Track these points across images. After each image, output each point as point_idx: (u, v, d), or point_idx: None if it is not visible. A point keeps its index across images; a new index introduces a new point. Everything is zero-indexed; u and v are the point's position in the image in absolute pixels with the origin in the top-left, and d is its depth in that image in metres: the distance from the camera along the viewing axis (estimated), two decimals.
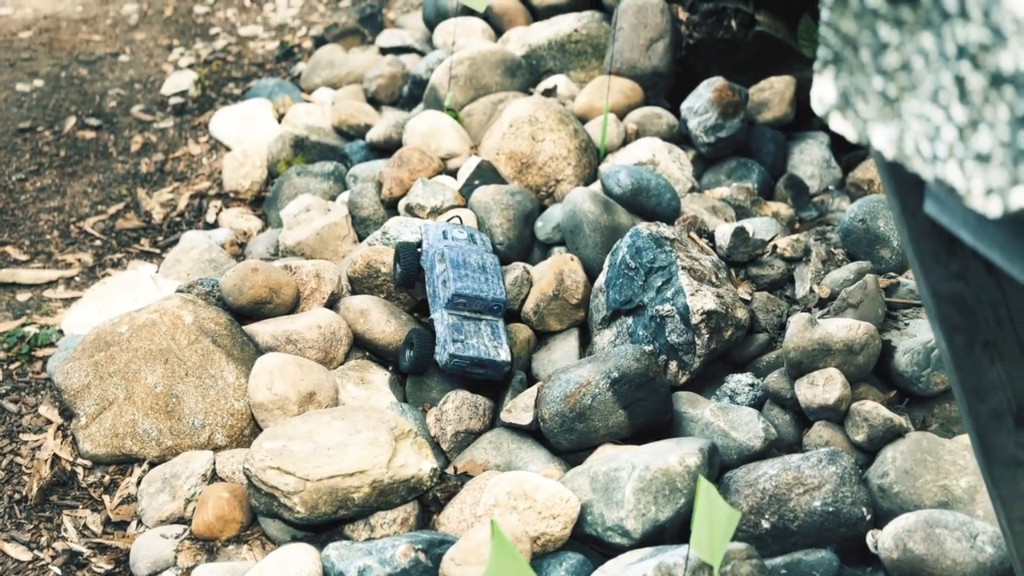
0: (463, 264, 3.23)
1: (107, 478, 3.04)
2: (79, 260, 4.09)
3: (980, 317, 1.32)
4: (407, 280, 3.34)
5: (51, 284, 3.96)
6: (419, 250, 3.35)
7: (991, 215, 0.89)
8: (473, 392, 3.10)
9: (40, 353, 3.53)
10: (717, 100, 3.92)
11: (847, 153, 4.25)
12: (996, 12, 0.84)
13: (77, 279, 3.99)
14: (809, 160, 4.15)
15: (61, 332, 3.61)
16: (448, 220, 3.54)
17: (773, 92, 4.17)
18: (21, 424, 3.25)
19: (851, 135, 1.04)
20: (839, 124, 1.05)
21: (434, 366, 3.21)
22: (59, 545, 2.91)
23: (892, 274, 3.24)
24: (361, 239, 3.75)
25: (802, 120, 4.30)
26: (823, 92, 1.04)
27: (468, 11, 4.86)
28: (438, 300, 3.22)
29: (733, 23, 4.34)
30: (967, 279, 1.30)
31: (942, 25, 0.90)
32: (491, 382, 3.22)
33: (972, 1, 0.86)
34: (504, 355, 3.13)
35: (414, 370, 3.18)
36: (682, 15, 4.40)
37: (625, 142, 4.01)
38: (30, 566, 2.86)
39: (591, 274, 3.40)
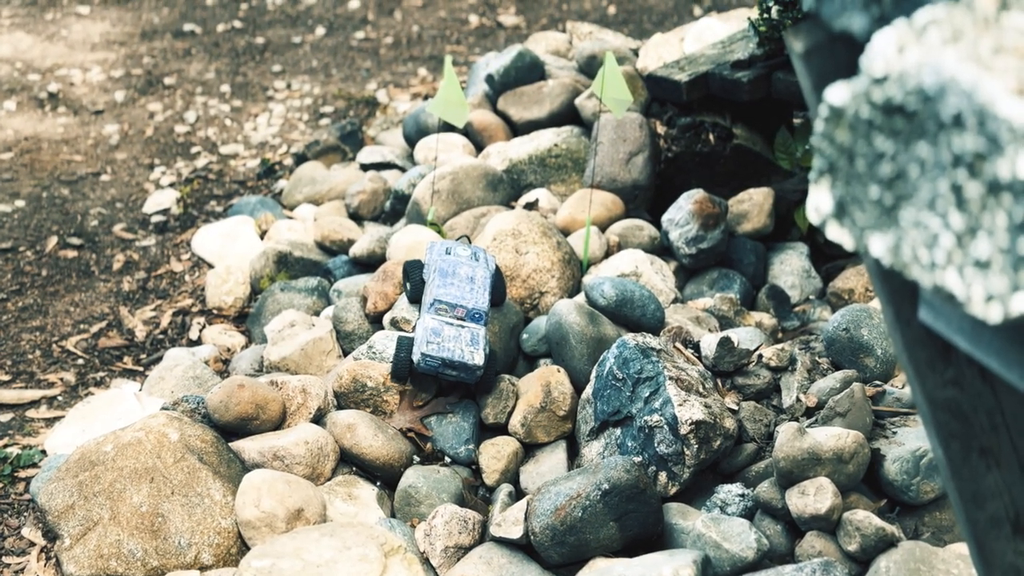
0: (451, 274, 3.40)
1: None
2: (62, 379, 4.07)
3: (975, 424, 1.32)
4: (416, 295, 3.56)
5: (34, 404, 3.93)
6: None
7: (992, 321, 0.90)
8: (462, 506, 3.08)
9: (23, 474, 3.49)
10: (698, 212, 3.96)
11: (827, 263, 4.29)
12: (991, 121, 0.86)
13: (60, 399, 3.97)
14: (789, 270, 4.19)
15: (44, 452, 3.57)
16: (457, 239, 3.72)
17: (752, 204, 4.22)
18: (4, 547, 3.21)
19: (848, 243, 1.04)
20: (836, 233, 1.05)
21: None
22: None
23: (878, 382, 3.25)
24: (346, 354, 3.74)
25: (781, 231, 4.35)
26: (819, 201, 1.05)
27: (448, 127, 4.91)
28: (424, 306, 3.39)
29: (711, 136, 4.40)
30: (962, 386, 1.31)
31: (937, 134, 0.91)
32: (463, 382, 3.38)
33: (967, 110, 0.88)
34: (478, 359, 3.26)
35: (395, 374, 3.35)
36: (660, 129, 4.46)
37: (608, 254, 4.04)
38: None
39: (578, 385, 3.40)
